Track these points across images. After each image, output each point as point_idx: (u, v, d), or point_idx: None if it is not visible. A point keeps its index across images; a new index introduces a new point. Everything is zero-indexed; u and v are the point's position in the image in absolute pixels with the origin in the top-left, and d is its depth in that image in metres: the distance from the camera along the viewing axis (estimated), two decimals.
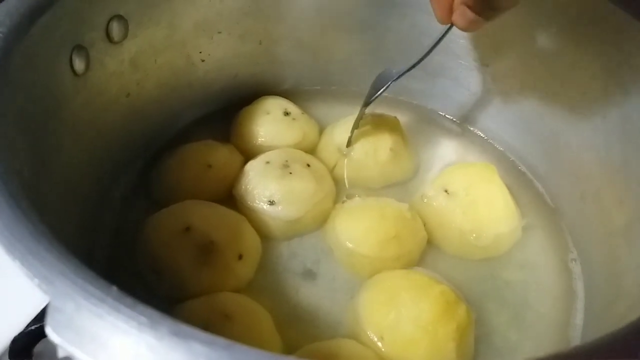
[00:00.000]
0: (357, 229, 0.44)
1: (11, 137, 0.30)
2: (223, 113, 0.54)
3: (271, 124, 0.51)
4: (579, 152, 0.45)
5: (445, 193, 0.46)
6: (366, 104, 0.48)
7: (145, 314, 0.21)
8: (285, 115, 0.52)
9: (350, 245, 0.44)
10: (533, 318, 0.42)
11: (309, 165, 0.47)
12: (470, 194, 0.45)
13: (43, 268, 0.22)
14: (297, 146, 0.51)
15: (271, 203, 0.45)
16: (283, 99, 0.53)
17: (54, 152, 0.36)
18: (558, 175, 0.48)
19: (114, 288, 0.22)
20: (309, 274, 0.44)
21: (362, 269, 0.43)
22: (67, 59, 0.38)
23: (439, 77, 0.53)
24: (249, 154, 0.50)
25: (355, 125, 0.49)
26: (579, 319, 0.42)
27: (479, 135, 0.55)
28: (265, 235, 0.45)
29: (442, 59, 0.50)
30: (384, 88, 0.47)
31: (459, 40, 0.51)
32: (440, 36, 0.42)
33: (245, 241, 0.43)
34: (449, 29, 0.41)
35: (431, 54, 0.44)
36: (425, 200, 0.47)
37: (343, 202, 0.48)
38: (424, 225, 0.46)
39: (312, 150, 0.52)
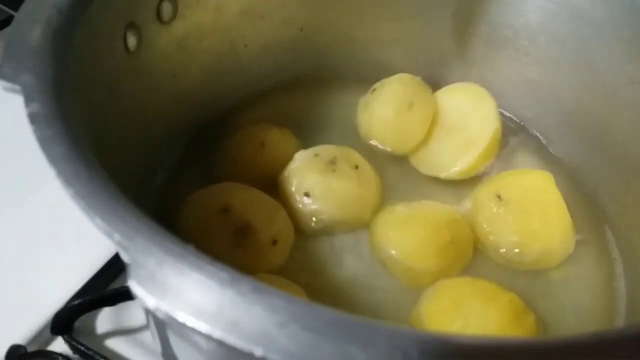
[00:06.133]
0: (413, 241, 0.42)
1: (77, 105, 0.30)
2: (263, 98, 0.55)
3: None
4: (623, 144, 0.45)
5: (497, 199, 0.44)
6: None
7: (225, 270, 0.21)
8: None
9: (408, 260, 0.42)
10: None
11: (357, 167, 0.46)
12: (524, 203, 0.44)
13: (123, 226, 0.23)
14: None
15: (306, 195, 0.45)
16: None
17: (106, 127, 0.37)
18: (601, 169, 0.48)
19: (192, 246, 0.22)
20: (341, 266, 0.44)
21: (422, 281, 0.42)
22: (121, 35, 0.39)
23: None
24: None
25: None
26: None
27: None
28: (294, 227, 0.45)
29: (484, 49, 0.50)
30: None
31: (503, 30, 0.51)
32: None
33: (280, 228, 0.44)
34: None
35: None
36: (475, 204, 0.46)
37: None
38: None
39: None
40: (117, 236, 0.22)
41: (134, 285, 0.21)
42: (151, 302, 0.20)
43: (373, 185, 0.47)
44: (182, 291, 0.21)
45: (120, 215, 0.23)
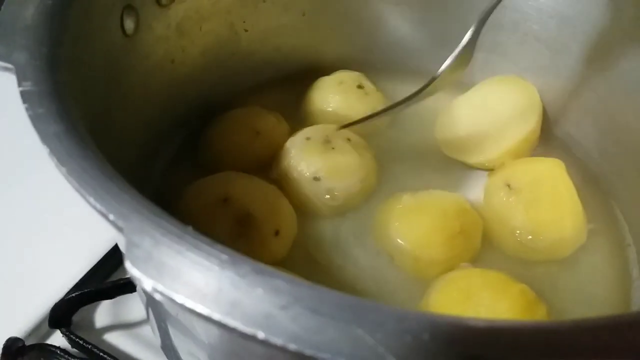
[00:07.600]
0: (420, 231, 0.41)
1: (72, 86, 0.29)
2: (265, 85, 0.53)
3: (342, 94, 0.51)
4: (637, 131, 0.43)
5: (507, 188, 0.43)
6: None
7: (225, 252, 0.20)
8: (358, 88, 0.51)
9: (415, 250, 0.41)
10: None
11: (349, 140, 0.46)
12: (535, 191, 0.43)
13: (118, 205, 0.21)
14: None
15: (316, 179, 0.44)
16: (359, 73, 0.53)
17: (103, 111, 0.35)
18: (614, 156, 0.47)
19: (190, 227, 0.21)
20: (342, 256, 0.43)
21: (429, 271, 0.41)
22: (118, 18, 0.38)
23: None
24: (317, 120, 0.50)
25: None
26: None
27: None
28: (309, 213, 0.44)
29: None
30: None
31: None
32: None
33: (283, 217, 0.42)
34: None
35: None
36: (485, 193, 0.45)
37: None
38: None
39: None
40: (111, 216, 0.21)
41: (129, 267, 0.20)
42: (148, 283, 0.19)
43: (367, 151, 0.47)
44: (180, 272, 0.20)
45: (115, 195, 0.22)
